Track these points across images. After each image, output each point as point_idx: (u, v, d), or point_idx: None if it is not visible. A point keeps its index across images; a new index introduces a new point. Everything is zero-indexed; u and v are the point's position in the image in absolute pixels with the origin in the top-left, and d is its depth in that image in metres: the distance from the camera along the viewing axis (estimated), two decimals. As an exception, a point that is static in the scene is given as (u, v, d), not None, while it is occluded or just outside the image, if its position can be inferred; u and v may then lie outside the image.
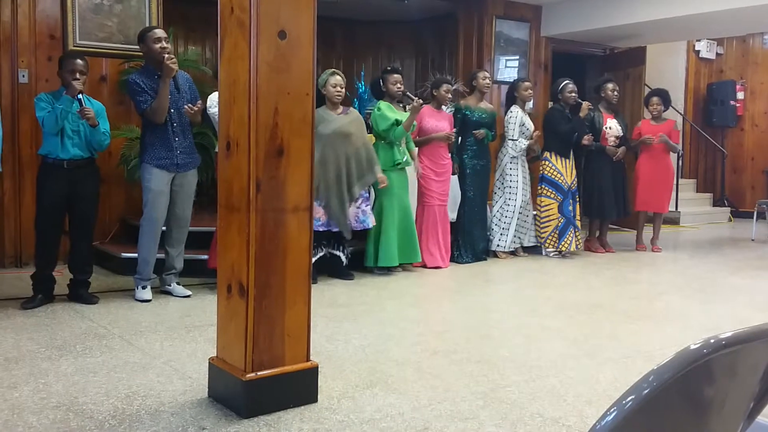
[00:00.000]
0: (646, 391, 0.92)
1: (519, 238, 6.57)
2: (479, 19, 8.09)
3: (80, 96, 4.16)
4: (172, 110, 4.44)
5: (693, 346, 0.95)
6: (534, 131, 6.53)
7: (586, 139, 6.61)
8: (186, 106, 4.42)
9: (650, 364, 0.94)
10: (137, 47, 4.70)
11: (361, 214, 5.36)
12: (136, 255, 4.60)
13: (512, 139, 6.44)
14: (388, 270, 5.64)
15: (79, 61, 4.26)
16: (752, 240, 8.10)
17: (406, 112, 5.70)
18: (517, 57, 8.34)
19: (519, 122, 6.44)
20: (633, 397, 0.92)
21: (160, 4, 5.97)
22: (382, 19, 9.32)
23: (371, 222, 5.45)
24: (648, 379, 0.92)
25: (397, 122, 5.49)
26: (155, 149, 4.45)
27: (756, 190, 10.47)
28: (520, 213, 6.49)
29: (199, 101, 4.53)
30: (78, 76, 4.20)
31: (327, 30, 8.66)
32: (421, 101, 5.56)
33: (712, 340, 0.95)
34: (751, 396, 1.17)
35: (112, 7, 5.79)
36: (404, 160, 5.63)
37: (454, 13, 8.40)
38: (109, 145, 4.53)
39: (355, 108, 6.93)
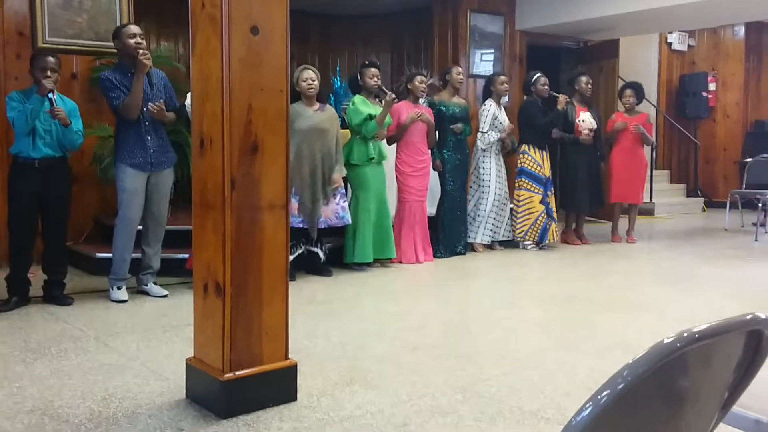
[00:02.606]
0: (620, 386, 0.92)
1: (494, 231, 6.58)
2: (454, 12, 8.09)
3: (51, 95, 4.08)
4: (145, 108, 4.38)
5: (666, 340, 0.95)
6: (508, 125, 6.54)
7: (555, 133, 6.65)
8: (150, 105, 4.36)
9: (627, 355, 0.95)
10: (109, 44, 4.65)
11: (340, 210, 5.34)
12: (110, 255, 4.54)
13: (482, 132, 6.45)
14: (365, 266, 5.63)
15: (50, 58, 4.18)
16: (725, 230, 8.22)
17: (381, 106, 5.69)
18: (492, 51, 8.36)
19: (492, 116, 6.45)
20: (608, 392, 0.92)
21: (131, 0, 5.88)
22: (357, 14, 9.29)
23: (350, 218, 5.44)
24: (623, 374, 0.92)
25: (371, 117, 5.47)
26: (129, 148, 4.39)
27: (729, 180, 10.62)
28: (494, 206, 6.50)
29: (162, 100, 4.44)
30: (49, 74, 4.12)
31: (301, 25, 8.61)
32: (394, 96, 5.53)
33: (685, 334, 0.96)
34: (726, 386, 1.18)
35: (82, 3, 5.70)
36: (378, 154, 5.60)
37: (429, 7, 8.39)
38: (82, 144, 4.46)
39: (330, 104, 6.92)
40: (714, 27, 10.57)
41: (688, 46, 10.98)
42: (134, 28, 4.42)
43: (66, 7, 5.63)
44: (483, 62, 8.22)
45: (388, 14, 9.17)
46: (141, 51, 4.28)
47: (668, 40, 10.68)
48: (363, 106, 5.53)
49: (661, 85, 10.72)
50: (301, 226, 5.10)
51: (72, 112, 4.27)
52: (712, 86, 10.74)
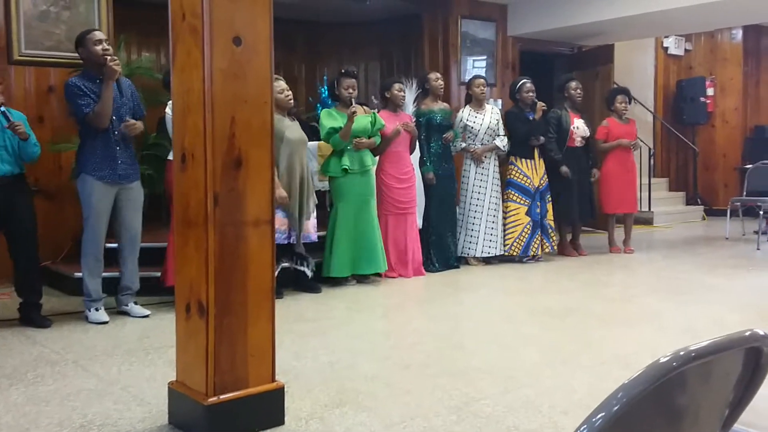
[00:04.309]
0: (615, 408, 0.92)
1: (489, 245, 6.54)
2: (444, 19, 8.14)
3: (3, 109, 4.07)
4: (114, 117, 4.34)
5: (662, 359, 0.95)
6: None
7: (533, 141, 6.57)
8: (124, 124, 4.34)
9: (626, 371, 0.95)
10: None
11: (317, 224, 5.35)
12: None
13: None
14: (355, 280, 5.61)
15: None
16: (726, 238, 8.26)
17: (366, 115, 5.67)
18: (485, 57, 8.41)
19: (462, 123, 6.46)
20: (603, 414, 0.92)
21: (111, 10, 5.88)
22: (344, 21, 9.32)
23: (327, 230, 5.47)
24: (617, 396, 0.92)
25: (335, 130, 5.45)
26: (96, 159, 4.32)
27: (729, 188, 10.69)
28: (490, 216, 6.49)
29: (130, 118, 4.40)
30: None
31: (287, 33, 8.64)
32: (354, 109, 5.43)
33: (681, 353, 0.96)
34: (726, 403, 1.18)
35: (60, 14, 5.70)
36: (355, 164, 5.51)
37: (418, 14, 8.44)
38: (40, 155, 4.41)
39: (318, 114, 6.93)
40: (711, 31, 10.66)
41: (685, 50, 11.07)
42: (99, 34, 4.40)
43: (43, 18, 5.62)
44: (475, 69, 8.27)
45: (376, 21, 9.21)
46: (109, 57, 4.26)
47: (664, 45, 10.77)
48: (327, 119, 5.52)
49: (658, 90, 10.80)
50: (285, 242, 5.08)
51: (23, 123, 4.24)
52: (710, 91, 10.82)
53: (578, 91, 7.00)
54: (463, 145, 6.48)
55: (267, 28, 2.71)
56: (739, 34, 10.96)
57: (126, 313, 4.59)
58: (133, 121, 4.39)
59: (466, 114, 6.52)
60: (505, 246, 6.59)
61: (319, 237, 5.46)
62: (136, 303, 4.62)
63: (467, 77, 8.13)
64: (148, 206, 4.85)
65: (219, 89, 2.60)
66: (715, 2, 6.86)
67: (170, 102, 4.67)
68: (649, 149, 9.82)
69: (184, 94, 2.70)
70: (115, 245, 4.58)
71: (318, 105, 7.37)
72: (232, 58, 2.62)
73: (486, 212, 6.47)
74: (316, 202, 5.37)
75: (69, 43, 5.71)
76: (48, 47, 5.65)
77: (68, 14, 5.72)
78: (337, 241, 5.50)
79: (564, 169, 6.80)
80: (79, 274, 5.06)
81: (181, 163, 2.74)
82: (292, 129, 5.12)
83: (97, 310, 4.43)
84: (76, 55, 5.61)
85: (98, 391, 3.17)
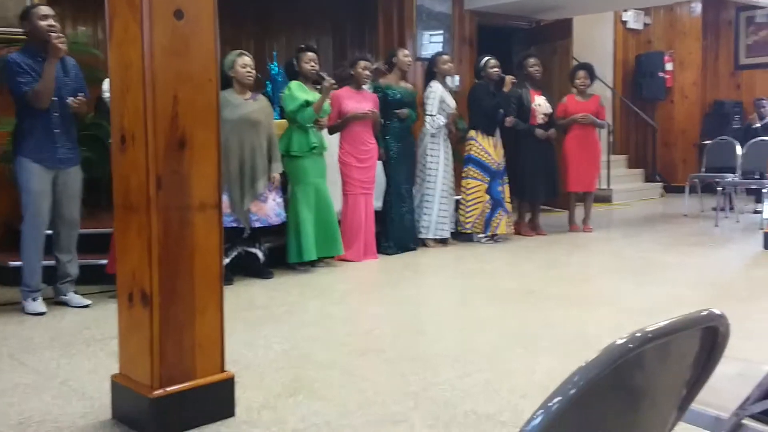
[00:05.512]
0: (572, 391, 0.93)
1: (443, 225, 6.57)
2: (399, -8, 8.10)
3: None
4: (56, 98, 4.23)
5: (619, 341, 0.96)
6: (452, 111, 6.55)
7: (508, 122, 6.70)
8: (70, 99, 4.24)
9: (586, 351, 0.96)
10: (19, 30, 4.47)
11: (277, 207, 5.30)
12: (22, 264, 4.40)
13: (430, 115, 6.47)
14: (309, 265, 5.59)
15: None
16: (685, 215, 8.46)
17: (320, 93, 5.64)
18: (441, 32, 8.40)
19: (439, 98, 6.45)
20: (559, 398, 0.93)
21: (44, -19, 5.69)
22: (295, -6, 9.19)
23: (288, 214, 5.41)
24: (574, 379, 0.93)
25: (307, 103, 5.42)
26: (35, 142, 4.21)
27: (687, 164, 10.93)
28: (443, 198, 6.51)
29: (81, 94, 4.33)
30: None
31: (234, 7, 8.45)
32: (333, 81, 5.48)
33: (638, 334, 0.97)
34: (683, 383, 1.20)
35: (-12, -15, 5.48)
36: (320, 143, 5.56)
37: (372, -13, 8.38)
38: None
39: (268, 92, 6.84)
40: (670, 4, 10.83)
41: (644, 24, 11.23)
42: (46, 9, 4.28)
43: (-31, -11, 5.41)
44: (432, 44, 8.26)
45: (328, -6, 9.11)
46: (55, 34, 4.14)
47: (623, 19, 10.91)
48: (299, 91, 5.48)
49: (616, 65, 10.95)
50: (234, 225, 5.03)
51: None
52: (668, 66, 11.02)
53: (536, 68, 7.06)
54: (444, 121, 6.47)
55: (210, 1, 2.65)
56: (698, 7, 11.16)
57: (65, 303, 4.49)
58: (81, 97, 4.27)
59: (440, 89, 6.49)
60: (467, 224, 6.64)
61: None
62: (75, 292, 4.53)
63: (423, 53, 8.15)
64: (87, 190, 4.74)
65: (160, 66, 2.54)
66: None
67: (106, 80, 4.56)
68: (608, 126, 9.97)
69: (122, 72, 2.64)
70: (50, 232, 4.47)
71: (268, 82, 7.27)
72: (173, 32, 2.56)
73: (439, 193, 6.49)
74: (274, 184, 5.29)
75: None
76: (-25, 21, 5.44)
77: (-3, -15, 5.51)
78: (302, 224, 5.47)
79: (539, 131, 6.90)
80: (14, 263, 4.93)
81: (120, 144, 2.68)
82: (235, 107, 5.03)
83: (34, 300, 4.33)
84: (7, 29, 5.46)
85: (36, 386, 3.11)
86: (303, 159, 5.49)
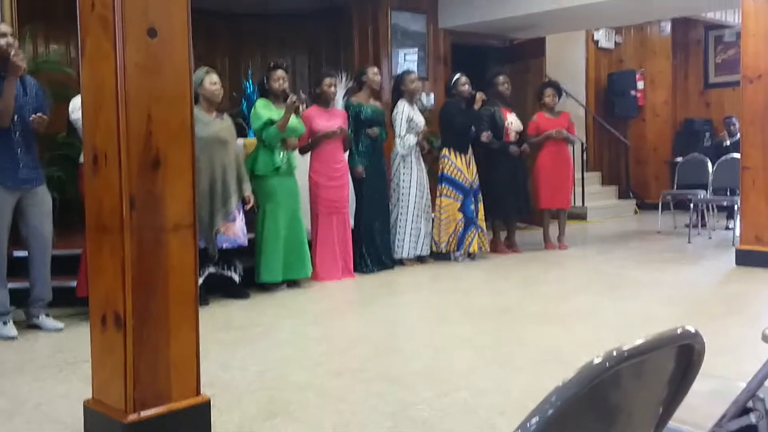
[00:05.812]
0: (550, 411, 0.94)
1: (415, 245, 6.55)
2: (374, 11, 8.17)
3: None
4: (16, 117, 4.16)
5: (595, 360, 0.97)
6: (423, 127, 6.55)
7: (485, 137, 6.74)
8: (35, 115, 4.17)
9: (562, 369, 0.96)
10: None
11: (246, 227, 5.26)
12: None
13: (399, 136, 6.47)
14: (285, 284, 5.55)
15: None
16: (658, 232, 8.56)
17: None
18: (416, 50, 8.47)
19: (406, 117, 6.44)
20: (537, 419, 0.93)
21: (15, -1, 5.64)
22: (270, 13, 9.21)
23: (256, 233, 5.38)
24: (551, 399, 0.93)
25: (272, 122, 5.40)
26: None
27: (660, 181, 11.08)
28: (414, 218, 6.50)
29: (40, 113, 4.24)
30: None
31: (209, 25, 8.48)
32: (295, 97, 5.40)
33: (614, 353, 0.98)
34: (660, 401, 1.21)
35: (-45, 2, 5.42)
36: (285, 163, 5.49)
37: (347, 6, 8.43)
38: None
39: (243, 111, 6.84)
40: (640, 24, 11.03)
41: (615, 43, 11.41)
42: (4, 27, 4.22)
43: (-64, 7, 5.34)
44: (407, 62, 8.32)
45: (303, 14, 9.14)
46: (14, 51, 4.09)
47: (595, 38, 11.07)
48: (263, 109, 5.46)
49: (589, 84, 11.10)
50: (202, 246, 4.98)
51: None
52: (640, 84, 11.19)
53: (506, 85, 7.12)
54: (415, 139, 6.48)
55: (184, 19, 2.64)
56: (668, 27, 11.40)
57: (37, 327, 4.41)
58: (41, 115, 4.21)
59: (408, 108, 6.49)
60: (441, 243, 6.65)
61: (249, 241, 5.38)
62: (48, 315, 4.45)
63: (399, 71, 8.19)
64: (59, 211, 4.68)
65: (133, 84, 2.52)
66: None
67: (74, 100, 4.50)
68: (582, 143, 10.09)
69: (95, 90, 2.61)
70: (23, 254, 4.40)
71: (243, 100, 7.27)
72: (147, 50, 2.55)
73: (411, 212, 6.47)
74: (250, 204, 5.27)
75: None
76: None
77: (-34, 3, 5.45)
78: (266, 244, 5.43)
79: (513, 148, 6.94)
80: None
81: (92, 165, 2.65)
82: (204, 125, 5.00)
83: (4, 324, 4.25)
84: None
85: (8, 411, 3.05)
86: (269, 179, 5.46)
